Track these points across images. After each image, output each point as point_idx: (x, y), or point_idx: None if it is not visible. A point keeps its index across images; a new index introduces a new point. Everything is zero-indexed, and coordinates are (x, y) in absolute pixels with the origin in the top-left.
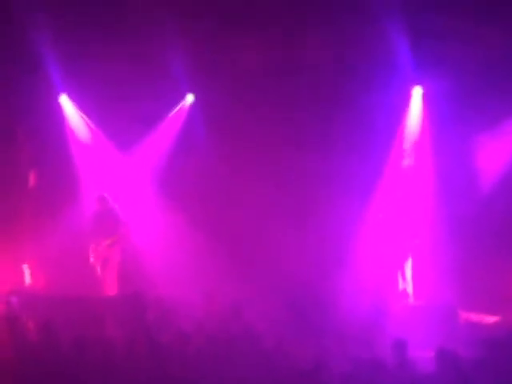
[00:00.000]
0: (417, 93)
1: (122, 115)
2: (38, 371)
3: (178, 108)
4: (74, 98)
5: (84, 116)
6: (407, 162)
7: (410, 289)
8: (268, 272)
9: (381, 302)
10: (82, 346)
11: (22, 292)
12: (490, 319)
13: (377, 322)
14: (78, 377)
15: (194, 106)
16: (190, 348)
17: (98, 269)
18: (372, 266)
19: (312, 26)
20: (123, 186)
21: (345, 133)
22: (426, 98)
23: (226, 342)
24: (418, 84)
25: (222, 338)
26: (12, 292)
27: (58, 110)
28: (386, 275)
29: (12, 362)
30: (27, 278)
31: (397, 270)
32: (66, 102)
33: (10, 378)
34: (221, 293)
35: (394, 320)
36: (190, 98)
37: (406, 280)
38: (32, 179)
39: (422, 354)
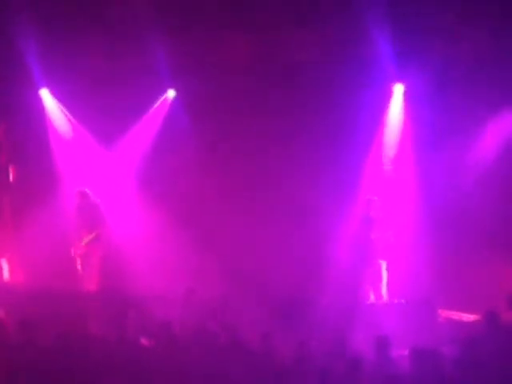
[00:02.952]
0: (398, 90)
1: (103, 109)
2: (17, 369)
3: (159, 102)
4: (55, 92)
5: (65, 110)
6: (388, 159)
7: (384, 288)
8: (249, 269)
9: (358, 300)
10: (63, 343)
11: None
12: (469, 317)
13: (356, 320)
14: (59, 374)
15: (176, 100)
16: (170, 343)
17: (79, 264)
18: (352, 264)
19: (296, 23)
20: (104, 180)
21: (327, 129)
22: (407, 95)
23: (206, 338)
24: (399, 81)
25: (203, 333)
26: None
27: (38, 104)
28: (364, 274)
29: None
30: (5, 273)
31: (374, 268)
32: (46, 96)
33: None
34: (201, 289)
35: (372, 318)
36: (171, 93)
37: (381, 279)
38: (12, 174)
39: (401, 353)
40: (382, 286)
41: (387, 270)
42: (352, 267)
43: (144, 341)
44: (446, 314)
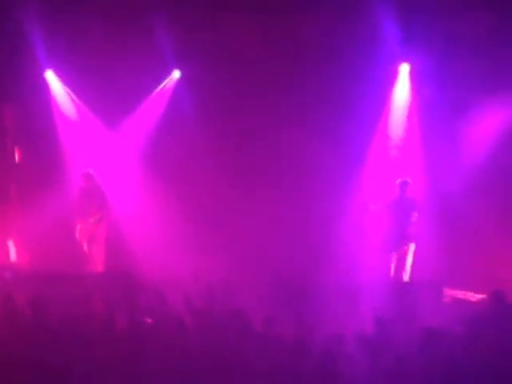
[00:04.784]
0: (404, 70)
1: (107, 91)
2: (25, 346)
3: (164, 84)
4: (60, 73)
5: (70, 92)
6: (395, 139)
7: (408, 270)
8: (255, 251)
9: (365, 278)
10: (70, 323)
11: (12, 268)
12: (476, 297)
13: (361, 299)
14: (67, 354)
15: (181, 82)
16: (177, 325)
17: (85, 245)
18: (359, 245)
19: (300, 4)
20: (109, 162)
21: (333, 111)
22: (412, 74)
23: (213, 319)
24: (405, 61)
25: (210, 315)
26: (5, 267)
27: (43, 85)
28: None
29: (6, 338)
30: (12, 255)
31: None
32: (51, 78)
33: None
34: (208, 271)
35: (378, 297)
36: (176, 74)
37: (406, 261)
38: (18, 156)
39: (407, 331)
40: (407, 267)
41: (414, 252)
42: (382, 249)
43: (149, 321)
44: (452, 293)
